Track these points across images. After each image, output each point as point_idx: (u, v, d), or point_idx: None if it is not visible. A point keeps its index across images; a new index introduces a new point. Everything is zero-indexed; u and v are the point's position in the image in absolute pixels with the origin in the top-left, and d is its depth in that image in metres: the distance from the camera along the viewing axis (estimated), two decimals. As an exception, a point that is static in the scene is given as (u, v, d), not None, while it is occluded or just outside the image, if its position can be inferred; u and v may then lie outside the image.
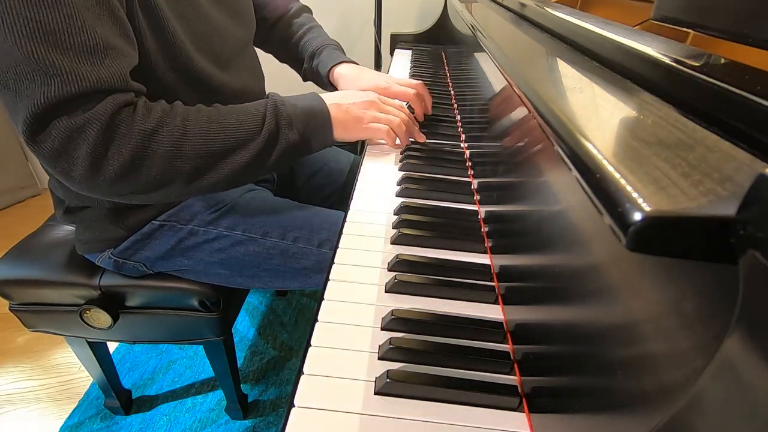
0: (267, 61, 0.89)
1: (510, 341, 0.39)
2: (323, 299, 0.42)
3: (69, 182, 0.49)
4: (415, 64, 1.21)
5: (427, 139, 0.73)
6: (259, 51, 0.85)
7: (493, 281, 0.45)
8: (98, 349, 0.84)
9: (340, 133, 0.62)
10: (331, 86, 0.84)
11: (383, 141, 0.68)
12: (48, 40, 0.43)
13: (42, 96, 0.43)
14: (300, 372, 0.35)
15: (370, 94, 0.67)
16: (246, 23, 0.74)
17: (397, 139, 0.68)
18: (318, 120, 0.60)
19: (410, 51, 1.38)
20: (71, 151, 0.46)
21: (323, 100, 0.61)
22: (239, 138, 0.54)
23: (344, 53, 0.86)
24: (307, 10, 0.94)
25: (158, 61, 0.56)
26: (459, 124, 0.81)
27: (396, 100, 0.72)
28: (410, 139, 0.71)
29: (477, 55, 0.71)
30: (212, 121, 0.53)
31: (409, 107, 0.76)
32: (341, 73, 0.81)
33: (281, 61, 0.95)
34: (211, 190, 0.56)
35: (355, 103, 0.64)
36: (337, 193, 0.88)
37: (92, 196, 0.53)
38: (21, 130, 0.45)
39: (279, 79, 1.12)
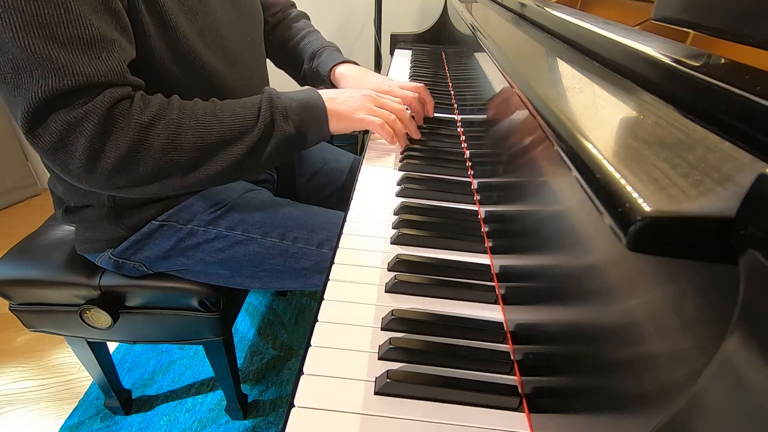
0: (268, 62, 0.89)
1: (510, 341, 0.39)
2: (323, 299, 0.42)
3: (67, 175, 0.50)
4: (415, 64, 1.21)
5: (427, 139, 0.72)
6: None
7: (493, 281, 0.45)
8: (98, 349, 0.84)
9: (334, 125, 0.62)
10: (331, 86, 0.84)
11: (382, 138, 0.67)
12: (45, 33, 0.43)
13: (39, 89, 0.44)
14: (300, 372, 0.35)
15: (368, 90, 0.67)
16: (254, 19, 0.74)
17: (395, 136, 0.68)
18: (313, 112, 0.60)
19: (410, 51, 1.38)
20: (69, 144, 0.47)
21: (319, 94, 0.62)
22: (235, 130, 0.55)
23: (343, 56, 0.86)
24: (305, 16, 0.95)
25: (162, 55, 0.56)
26: (459, 124, 0.81)
27: (395, 98, 0.71)
28: (409, 139, 0.71)
29: (477, 55, 0.71)
30: (208, 114, 0.54)
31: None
32: (343, 72, 0.81)
33: (277, 64, 0.95)
34: (207, 183, 0.56)
35: (352, 96, 0.65)
36: (337, 193, 0.88)
37: (90, 189, 0.54)
38: (20, 124, 0.46)
39: (281, 78, 1.12)
